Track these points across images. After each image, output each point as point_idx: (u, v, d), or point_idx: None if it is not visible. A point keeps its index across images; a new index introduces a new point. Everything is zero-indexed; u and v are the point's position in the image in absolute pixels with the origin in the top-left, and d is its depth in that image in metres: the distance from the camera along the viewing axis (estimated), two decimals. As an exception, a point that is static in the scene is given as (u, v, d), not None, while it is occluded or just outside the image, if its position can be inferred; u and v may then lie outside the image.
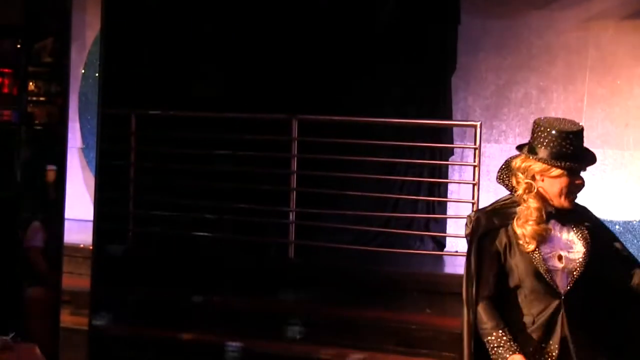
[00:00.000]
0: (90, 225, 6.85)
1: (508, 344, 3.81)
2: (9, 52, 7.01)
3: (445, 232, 9.47)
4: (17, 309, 6.62)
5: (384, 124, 9.07)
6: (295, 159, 8.61)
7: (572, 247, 3.92)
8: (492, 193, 9.54)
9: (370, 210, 9.12)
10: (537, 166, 3.90)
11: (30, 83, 6.98)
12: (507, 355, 3.79)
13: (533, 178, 3.92)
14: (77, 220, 6.87)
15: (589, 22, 9.36)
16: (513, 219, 3.94)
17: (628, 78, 9.25)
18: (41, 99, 7.10)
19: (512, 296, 3.93)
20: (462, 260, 8.44)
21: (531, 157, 3.91)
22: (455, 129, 9.61)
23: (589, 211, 4.10)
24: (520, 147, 4.04)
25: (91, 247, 6.95)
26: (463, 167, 9.32)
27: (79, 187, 8.90)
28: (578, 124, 3.91)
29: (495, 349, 3.83)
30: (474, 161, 8.18)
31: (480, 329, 3.88)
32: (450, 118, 9.60)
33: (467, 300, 3.96)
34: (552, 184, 3.88)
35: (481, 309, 3.89)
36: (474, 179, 8.17)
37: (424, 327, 7.29)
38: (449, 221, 9.55)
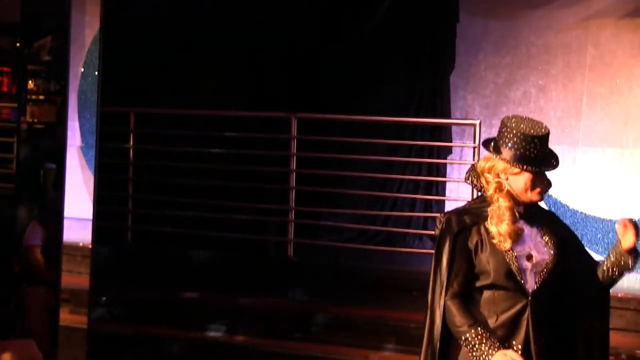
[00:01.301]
0: (89, 224, 6.84)
1: (490, 340, 3.81)
2: (8, 51, 7.01)
3: (444, 231, 9.47)
4: (16, 308, 6.62)
5: (383, 123, 9.07)
6: (294, 157, 8.60)
7: (540, 248, 3.94)
8: (491, 192, 9.59)
9: (369, 208, 9.12)
10: (500, 165, 3.94)
11: (30, 81, 6.97)
12: (493, 351, 3.79)
13: (498, 177, 3.95)
14: (76, 218, 6.86)
15: (588, 21, 9.37)
16: (485, 219, 3.95)
17: (627, 77, 9.26)
18: (40, 97, 7.09)
19: (478, 295, 3.94)
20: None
21: (495, 157, 3.95)
22: (454, 128, 9.62)
23: (556, 216, 4.17)
24: (486, 142, 4.07)
25: (90, 246, 6.95)
26: (462, 165, 9.32)
27: (78, 186, 8.91)
28: (545, 127, 3.93)
29: (476, 346, 3.82)
30: (473, 160, 8.18)
31: (455, 327, 3.89)
32: (449, 116, 9.61)
33: (432, 300, 3.98)
34: (517, 180, 3.91)
35: (454, 308, 3.90)
36: (473, 178, 8.16)
37: (422, 326, 7.27)
38: (448, 220, 9.54)
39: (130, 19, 9.08)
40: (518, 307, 3.88)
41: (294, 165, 8.59)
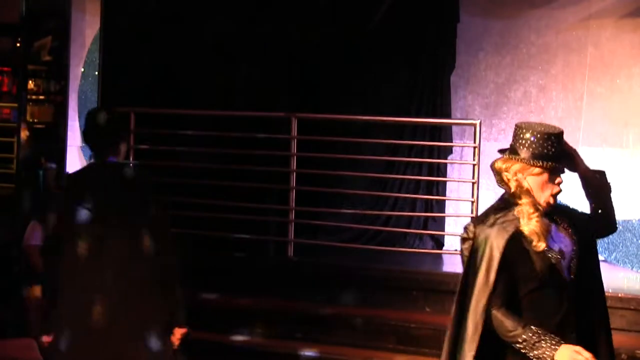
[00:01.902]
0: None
1: (549, 336, 3.84)
2: (8, 51, 7.02)
3: (444, 231, 9.49)
4: (16, 308, 6.63)
5: (383, 123, 9.07)
6: (295, 157, 8.60)
7: (564, 240, 4.00)
8: (491, 191, 9.56)
9: (370, 208, 9.12)
10: (517, 166, 3.99)
11: (30, 81, 6.98)
12: (556, 346, 3.82)
13: (516, 175, 4.00)
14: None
15: (588, 21, 9.37)
16: (516, 223, 3.97)
17: (627, 77, 9.26)
18: (41, 97, 7.11)
19: (523, 301, 3.95)
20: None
21: (513, 158, 3.99)
22: (454, 128, 9.62)
23: (561, 204, 4.19)
24: (502, 152, 4.11)
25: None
26: (462, 165, 9.33)
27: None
28: (558, 127, 4.01)
29: (535, 344, 3.83)
30: (474, 160, 8.18)
31: (508, 333, 3.87)
32: (449, 116, 9.61)
33: (469, 310, 3.94)
34: (535, 180, 3.97)
35: (502, 316, 3.90)
36: (473, 178, 8.17)
37: (423, 326, 7.29)
38: (447, 220, 9.56)
39: (130, 18, 9.08)
40: (563, 303, 3.93)
41: (294, 165, 8.59)
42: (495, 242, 3.94)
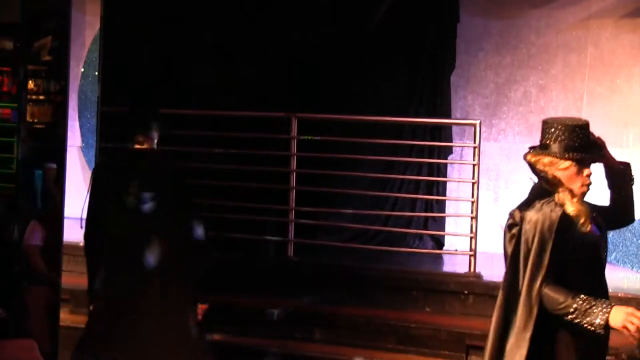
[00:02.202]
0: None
1: (599, 300, 3.91)
2: (8, 51, 7.00)
3: (444, 231, 9.49)
4: (16, 308, 6.62)
5: (383, 123, 9.06)
6: (295, 157, 8.60)
7: (598, 226, 4.16)
8: (491, 191, 9.60)
9: (370, 208, 9.12)
10: (546, 159, 4.10)
11: (30, 81, 6.96)
12: (608, 309, 3.88)
13: (545, 167, 4.13)
14: (76, 218, 6.85)
15: (588, 21, 9.37)
16: (560, 207, 4.06)
17: (627, 77, 9.26)
18: (40, 97, 7.09)
19: (569, 279, 4.02)
20: (462, 259, 8.49)
21: (542, 152, 4.11)
22: (454, 128, 9.62)
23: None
24: (532, 149, 4.23)
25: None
26: (462, 165, 9.33)
27: (79, 186, 8.90)
28: (584, 119, 4.13)
29: (587, 310, 3.88)
30: (474, 160, 8.18)
31: (558, 305, 3.93)
32: (449, 116, 9.61)
33: (521, 291, 4.00)
34: (562, 175, 4.09)
35: (552, 291, 3.96)
36: (473, 178, 8.17)
37: (423, 326, 7.29)
38: (448, 220, 9.56)
39: (130, 18, 9.08)
40: (602, 280, 4.11)
41: (294, 165, 8.59)
42: (546, 224, 4.00)
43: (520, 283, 4.00)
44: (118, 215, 5.53)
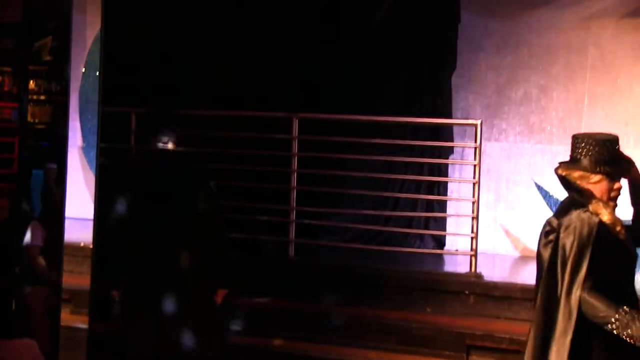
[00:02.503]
0: (91, 224, 6.84)
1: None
2: (9, 51, 7.00)
3: (445, 231, 9.48)
4: (17, 308, 6.62)
5: (384, 123, 9.06)
6: (296, 157, 8.60)
7: None
8: (492, 192, 9.60)
9: (371, 208, 9.12)
10: (577, 173, 4.18)
11: (31, 82, 6.97)
12: None
13: (577, 180, 4.21)
14: (77, 219, 6.86)
15: (589, 21, 9.37)
16: (598, 216, 4.12)
17: (628, 77, 9.26)
18: (41, 97, 7.10)
19: (607, 285, 4.07)
20: (462, 259, 8.49)
21: (572, 166, 4.20)
22: (455, 128, 9.61)
23: None
24: (562, 163, 4.32)
25: (91, 246, 6.95)
26: (463, 165, 9.33)
27: (79, 186, 8.92)
28: (613, 134, 4.25)
29: (629, 323, 3.94)
30: (474, 160, 8.18)
31: (600, 314, 3.99)
32: (450, 117, 9.61)
33: (567, 298, 4.04)
34: (594, 188, 4.17)
35: (593, 299, 4.01)
36: (474, 178, 8.17)
37: (424, 326, 7.29)
38: (448, 220, 9.56)
39: (131, 18, 9.08)
40: (634, 286, 4.16)
41: (295, 165, 8.59)
42: (585, 230, 4.07)
43: (559, 289, 4.07)
44: (147, 214, 5.99)
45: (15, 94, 6.86)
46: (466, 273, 7.93)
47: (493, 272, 8.42)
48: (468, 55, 9.76)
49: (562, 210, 4.25)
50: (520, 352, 6.75)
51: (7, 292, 6.62)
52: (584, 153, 4.14)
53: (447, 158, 9.50)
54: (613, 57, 9.30)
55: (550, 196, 9.23)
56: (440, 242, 9.53)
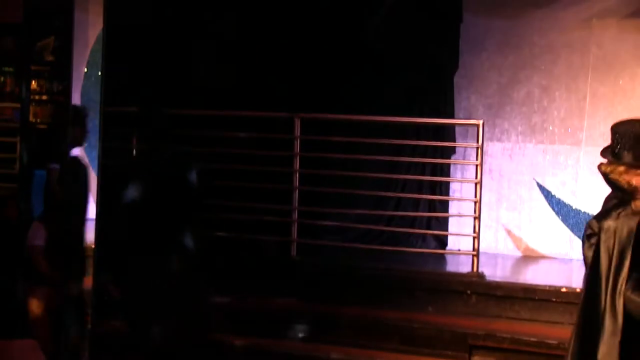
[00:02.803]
0: (92, 224, 6.85)
1: None
2: (11, 51, 7.01)
3: (447, 231, 9.49)
4: (18, 308, 6.62)
5: (387, 123, 9.06)
6: (298, 157, 8.60)
7: None
8: (494, 192, 9.60)
9: (373, 208, 9.11)
10: (621, 168, 4.23)
11: (33, 82, 6.97)
12: None
13: (621, 175, 4.24)
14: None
15: (591, 21, 9.36)
16: (637, 216, 4.18)
17: (630, 77, 9.25)
18: (43, 97, 7.10)
19: None
20: (464, 259, 8.49)
21: (616, 162, 4.25)
22: (457, 128, 9.62)
23: None
24: (603, 153, 4.38)
25: (93, 246, 6.96)
26: (465, 165, 9.33)
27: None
28: None
29: None
30: (477, 160, 8.17)
31: None
32: (452, 117, 9.61)
33: (612, 297, 4.13)
34: (637, 183, 4.21)
35: (636, 297, 4.08)
36: (476, 178, 8.16)
37: (426, 326, 7.28)
38: (450, 220, 9.56)
39: (133, 18, 9.08)
40: None
41: (297, 165, 8.59)
42: (625, 231, 4.14)
43: (604, 290, 4.15)
44: (144, 209, 6.18)
45: (17, 94, 6.87)
46: (468, 273, 7.92)
47: (495, 272, 8.43)
48: (470, 55, 9.76)
49: (603, 212, 4.33)
50: (521, 352, 6.81)
51: (8, 292, 6.62)
52: (626, 147, 4.21)
53: (449, 158, 9.50)
54: (615, 57, 9.30)
55: (552, 196, 9.23)
56: (442, 242, 9.53)
